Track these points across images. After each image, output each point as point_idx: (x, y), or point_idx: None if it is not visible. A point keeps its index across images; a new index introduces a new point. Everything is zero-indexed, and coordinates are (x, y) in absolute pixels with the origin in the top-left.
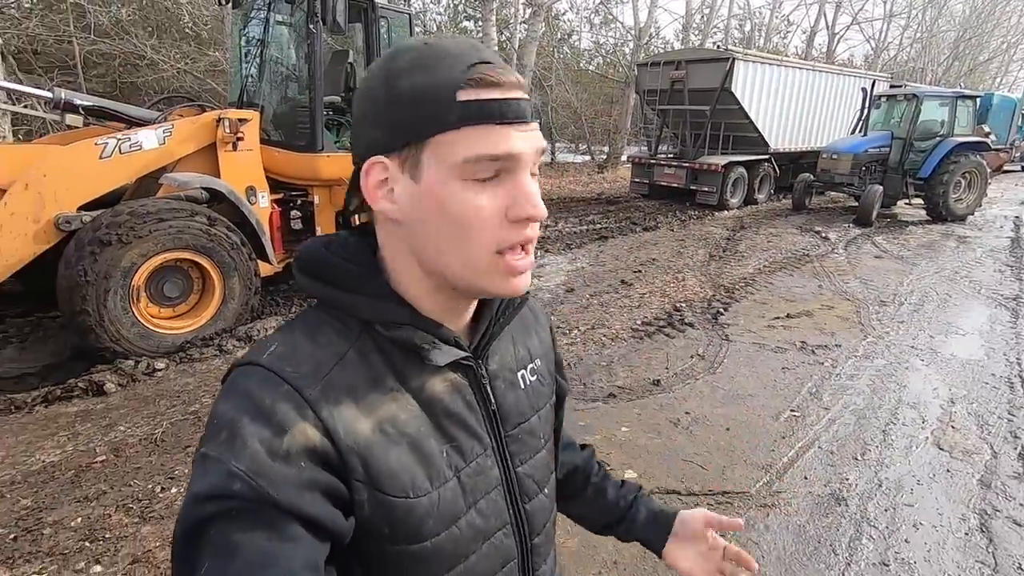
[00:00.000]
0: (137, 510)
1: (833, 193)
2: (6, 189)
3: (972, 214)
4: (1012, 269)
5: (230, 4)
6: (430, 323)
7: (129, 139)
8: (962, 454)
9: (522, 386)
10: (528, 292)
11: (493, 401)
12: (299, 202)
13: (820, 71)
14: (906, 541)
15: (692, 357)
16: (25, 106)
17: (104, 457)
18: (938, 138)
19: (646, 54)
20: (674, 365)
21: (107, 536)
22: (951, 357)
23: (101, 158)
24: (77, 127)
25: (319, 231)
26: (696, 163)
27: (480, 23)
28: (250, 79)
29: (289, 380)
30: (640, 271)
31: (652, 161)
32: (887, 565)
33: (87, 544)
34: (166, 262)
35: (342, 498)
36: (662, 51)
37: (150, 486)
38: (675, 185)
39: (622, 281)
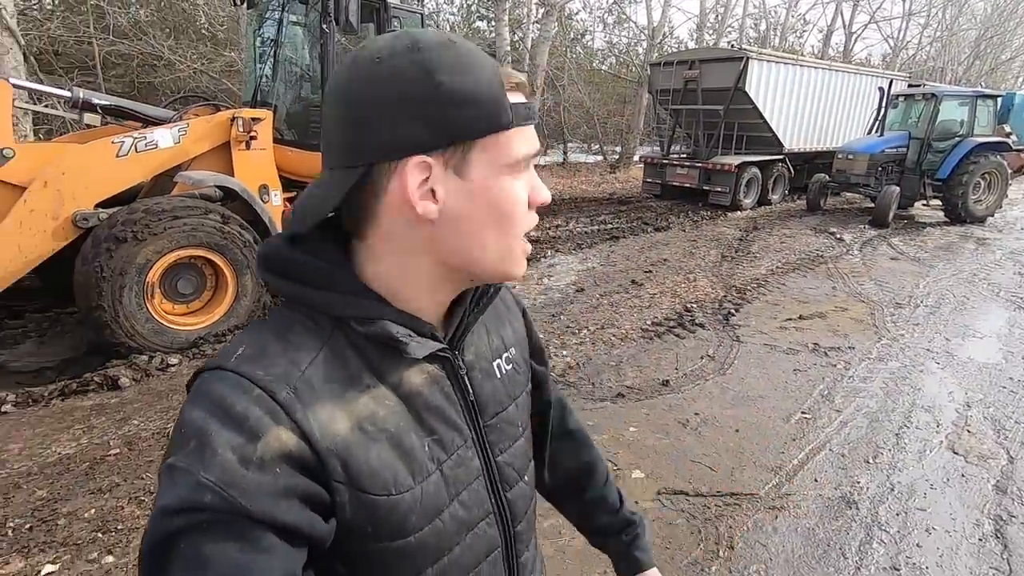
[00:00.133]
0: (149, 503)
1: (849, 194)
2: (26, 187)
3: (992, 216)
4: None
5: (245, 5)
6: (406, 316)
7: (145, 138)
8: (977, 459)
9: (498, 375)
10: (501, 284)
11: (471, 391)
12: None
13: (836, 70)
14: (918, 546)
15: (702, 358)
16: (46, 105)
17: (118, 450)
18: (957, 138)
19: (659, 54)
20: (684, 366)
21: (119, 527)
22: (968, 360)
23: (118, 156)
24: (95, 126)
25: None
26: (709, 163)
27: (493, 23)
28: (264, 79)
29: (260, 383)
30: (651, 271)
31: (664, 161)
32: (898, 570)
33: (100, 535)
34: (180, 259)
35: (321, 502)
36: (675, 51)
37: None
38: (688, 185)
39: (632, 281)
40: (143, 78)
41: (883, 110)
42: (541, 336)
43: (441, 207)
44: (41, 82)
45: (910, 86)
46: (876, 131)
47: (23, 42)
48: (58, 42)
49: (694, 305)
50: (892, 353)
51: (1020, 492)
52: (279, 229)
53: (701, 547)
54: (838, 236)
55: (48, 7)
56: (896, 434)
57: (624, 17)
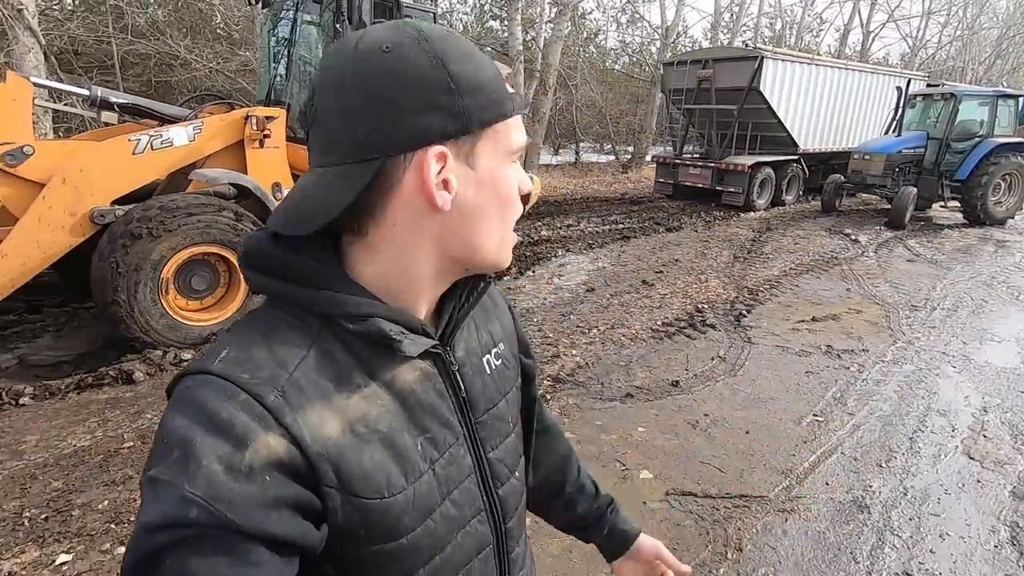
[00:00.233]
0: None
1: (864, 195)
2: (45, 183)
3: (1012, 218)
4: None
5: (260, 4)
6: (396, 313)
7: (161, 136)
8: (994, 464)
9: (488, 371)
10: (492, 278)
11: (462, 388)
12: None
13: (853, 70)
14: (931, 551)
15: (713, 359)
16: (66, 104)
17: (131, 443)
18: (977, 139)
19: (673, 53)
20: (694, 366)
21: (132, 519)
22: (985, 364)
23: (134, 154)
24: (113, 124)
25: None
26: (722, 163)
27: (505, 22)
28: (278, 78)
29: (246, 388)
30: (662, 272)
31: (677, 161)
32: (910, 575)
33: (112, 526)
34: (194, 256)
35: (313, 510)
36: (689, 50)
37: None
38: (700, 185)
39: (643, 281)
40: (160, 77)
41: (900, 110)
42: (549, 335)
43: (452, 198)
44: (61, 81)
45: (929, 85)
46: (893, 131)
47: (44, 41)
48: (78, 42)
49: (705, 306)
50: (907, 356)
51: None
52: None
53: (709, 549)
54: (853, 237)
55: (68, 7)
56: (910, 438)
57: (638, 16)
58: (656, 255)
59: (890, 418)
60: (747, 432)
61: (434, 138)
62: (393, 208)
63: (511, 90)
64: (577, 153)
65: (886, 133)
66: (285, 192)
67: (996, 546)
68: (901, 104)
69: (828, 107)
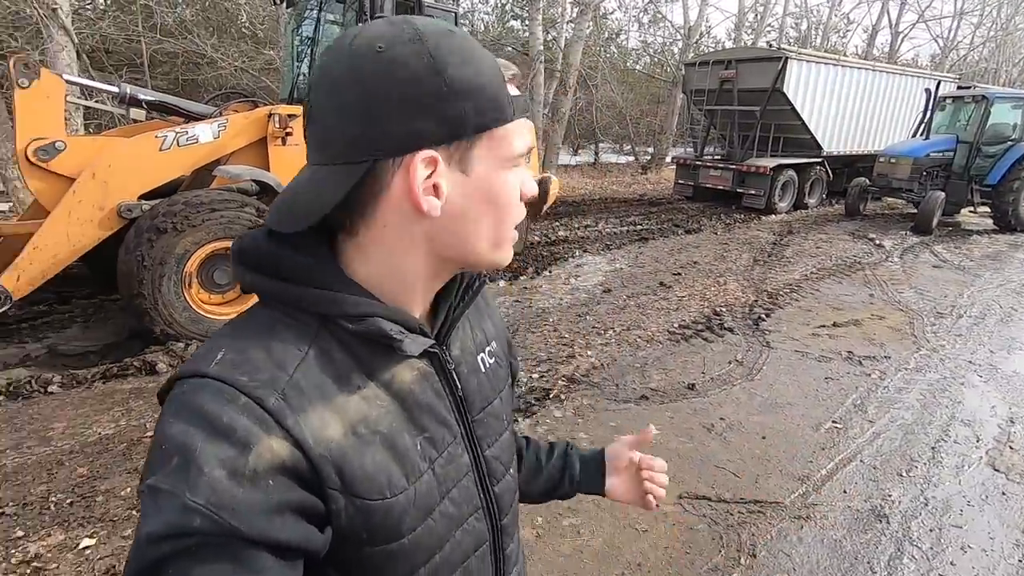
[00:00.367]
0: None
1: (890, 199)
2: (75, 178)
3: None
4: None
5: (285, 4)
6: (395, 312)
7: (187, 133)
8: (1020, 476)
9: (483, 369)
10: (485, 276)
11: (459, 387)
12: None
13: (880, 71)
14: (952, 564)
15: (730, 363)
16: (96, 101)
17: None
18: (1009, 142)
19: (695, 53)
20: (711, 370)
21: None
22: (1013, 374)
23: (161, 150)
24: (140, 121)
25: None
26: (743, 165)
27: (526, 22)
28: (301, 76)
29: (246, 391)
30: (680, 274)
31: (698, 162)
32: None
33: (134, 513)
34: (217, 250)
35: (317, 513)
36: (712, 50)
37: None
38: (721, 187)
39: (661, 283)
40: (187, 75)
41: (929, 112)
42: (565, 335)
43: (443, 202)
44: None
45: (959, 88)
46: (921, 134)
47: (76, 40)
48: (109, 40)
49: (723, 309)
50: (931, 364)
51: None
52: None
53: (722, 553)
54: (877, 242)
55: (101, 7)
56: (932, 448)
57: (660, 16)
58: (674, 257)
59: (912, 427)
60: (763, 437)
61: (424, 142)
62: (383, 210)
63: (516, 92)
64: (596, 154)
65: (913, 136)
66: None
67: (1021, 560)
68: (930, 107)
69: (854, 109)
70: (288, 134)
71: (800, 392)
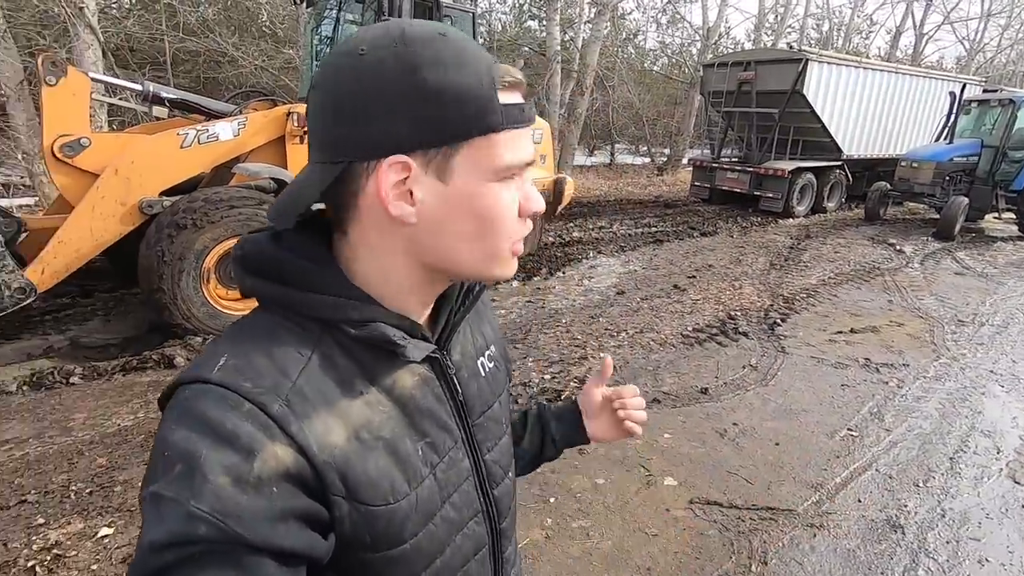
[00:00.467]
0: None
1: (912, 204)
2: (99, 174)
3: None
4: None
5: (305, 4)
6: (396, 317)
7: (207, 130)
8: None
9: (482, 374)
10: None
11: (459, 391)
12: None
13: (903, 74)
14: None
15: (744, 367)
16: (120, 98)
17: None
18: None
19: (714, 54)
20: (724, 374)
21: None
22: None
23: (182, 147)
24: (163, 118)
25: None
26: (761, 168)
27: (544, 22)
28: None
29: (250, 397)
30: (695, 277)
31: (714, 165)
32: None
33: None
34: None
35: (320, 520)
36: (731, 51)
37: None
38: (737, 190)
39: (675, 286)
40: (208, 73)
41: (953, 116)
42: (577, 337)
43: (419, 210)
44: (116, 76)
45: (985, 91)
46: (944, 138)
47: (102, 38)
48: (133, 39)
49: (738, 313)
50: (951, 373)
51: None
52: None
53: (733, 560)
54: (898, 248)
55: (125, 5)
56: (951, 458)
57: (678, 17)
58: (689, 260)
59: (930, 436)
60: (777, 444)
61: (395, 147)
62: (362, 212)
63: (515, 100)
64: (612, 155)
65: (937, 140)
66: None
67: None
68: (954, 110)
69: (875, 112)
70: (306, 133)
71: (815, 399)
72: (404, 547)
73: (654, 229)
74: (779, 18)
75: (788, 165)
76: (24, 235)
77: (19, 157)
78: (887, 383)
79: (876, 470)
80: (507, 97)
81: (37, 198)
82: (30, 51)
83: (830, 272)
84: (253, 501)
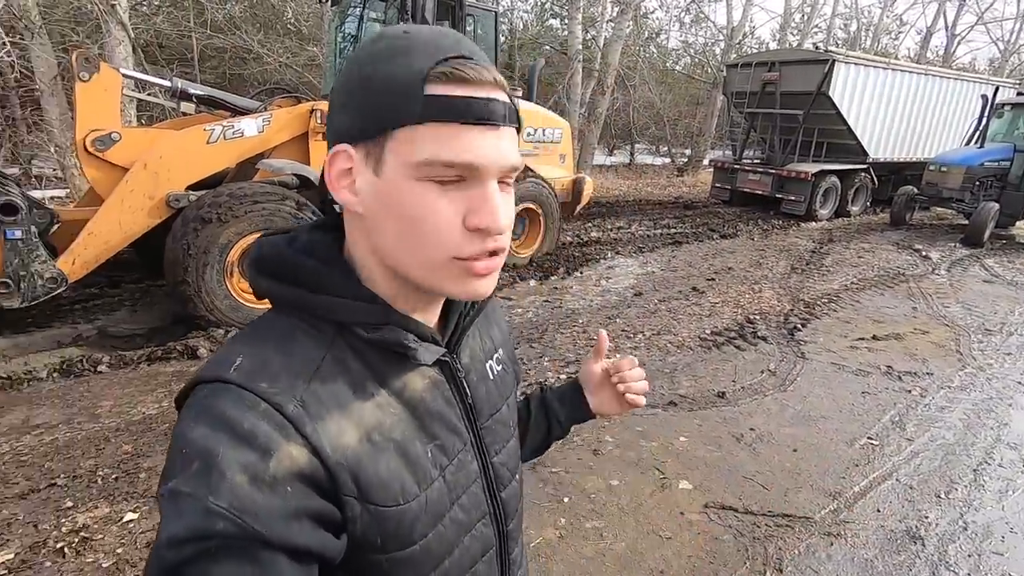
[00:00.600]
0: None
1: (939, 209)
2: (128, 168)
3: None
4: None
5: (329, 2)
6: (409, 321)
7: (233, 126)
8: None
9: (491, 377)
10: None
11: (468, 394)
12: None
13: (933, 76)
14: None
15: (762, 372)
16: (149, 94)
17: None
18: None
19: (738, 55)
20: (742, 379)
21: None
22: None
23: (208, 143)
24: (190, 114)
25: None
26: (784, 170)
27: (566, 21)
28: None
29: (266, 397)
30: (714, 279)
31: (736, 166)
32: None
33: None
34: None
35: (333, 520)
36: (755, 52)
37: None
38: (759, 192)
39: (693, 288)
40: (234, 70)
41: (985, 119)
42: (593, 338)
43: (360, 201)
44: (146, 72)
45: (1019, 94)
46: (975, 142)
47: (132, 35)
48: (162, 35)
49: (757, 317)
50: (976, 383)
51: None
52: None
53: (747, 566)
54: (924, 253)
55: (155, 3)
56: (974, 470)
57: (702, 16)
58: (708, 262)
59: (953, 447)
60: (795, 450)
61: (341, 136)
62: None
63: (467, 93)
64: (632, 154)
65: (967, 144)
66: None
67: None
68: (986, 113)
69: (903, 115)
70: None
71: (835, 406)
72: (414, 548)
73: (673, 230)
74: (805, 18)
75: (812, 168)
76: (56, 226)
77: (52, 150)
78: (910, 392)
79: (896, 480)
80: (453, 89)
81: (68, 190)
82: (64, 47)
83: (853, 277)
84: (269, 499)
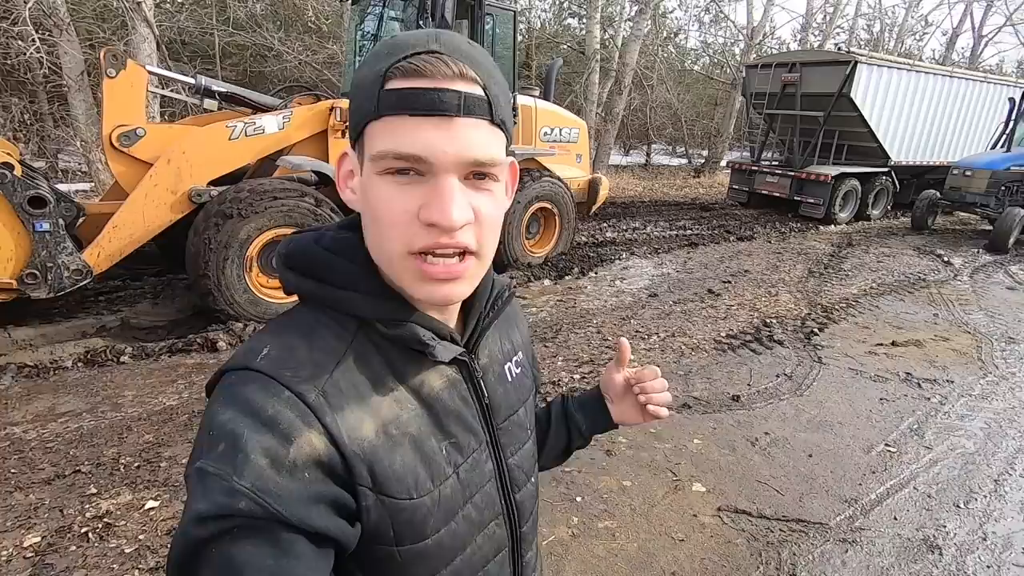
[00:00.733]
0: None
1: (963, 214)
2: (152, 163)
3: None
4: None
5: (349, 0)
6: (428, 319)
7: (254, 123)
8: None
9: (509, 379)
10: (512, 286)
11: (486, 395)
12: None
13: (959, 78)
14: None
15: (778, 376)
16: (172, 90)
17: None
18: None
19: (758, 55)
20: (757, 382)
21: None
22: None
23: (230, 139)
24: (212, 111)
25: None
26: (803, 172)
27: (584, 20)
28: None
29: (290, 386)
30: (730, 282)
31: (754, 168)
32: None
33: None
34: (276, 237)
35: (348, 508)
36: (775, 52)
37: None
38: (777, 195)
39: (709, 290)
40: (255, 67)
41: (1012, 123)
42: (608, 338)
43: (357, 200)
44: (169, 69)
45: None
46: (1002, 146)
47: (157, 32)
48: (185, 32)
49: (774, 320)
50: (998, 392)
51: None
52: None
53: (760, 570)
54: (946, 259)
55: (179, 0)
56: (995, 480)
57: (722, 16)
58: (724, 264)
59: (973, 456)
60: (810, 455)
61: (352, 138)
62: None
63: (413, 86)
64: (648, 155)
65: (992, 148)
66: None
67: None
68: (1014, 116)
69: (927, 117)
70: (347, 127)
71: (852, 412)
72: (426, 542)
73: (689, 232)
74: (827, 18)
75: (831, 170)
76: (82, 219)
77: (78, 144)
78: (929, 399)
79: (914, 488)
80: (402, 84)
81: (92, 184)
82: (90, 43)
83: (872, 282)
84: (288, 483)
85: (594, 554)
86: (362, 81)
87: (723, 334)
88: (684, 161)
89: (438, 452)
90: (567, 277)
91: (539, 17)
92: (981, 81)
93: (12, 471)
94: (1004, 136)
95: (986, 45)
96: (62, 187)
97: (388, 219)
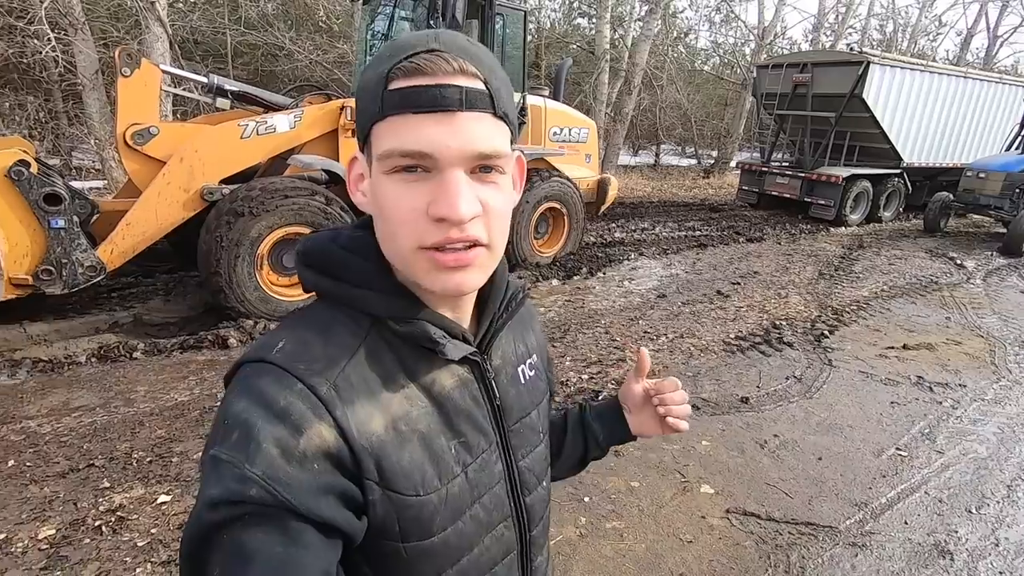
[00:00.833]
0: None
1: (976, 216)
2: (165, 162)
3: None
4: None
5: (360, 0)
6: (441, 318)
7: (266, 122)
8: None
9: (522, 381)
10: (527, 288)
11: (497, 396)
12: None
13: (973, 79)
14: None
15: (787, 378)
16: (184, 89)
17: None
18: None
19: (769, 55)
20: (766, 384)
21: None
22: None
23: (242, 138)
24: (225, 110)
25: None
26: (813, 174)
27: (594, 20)
28: None
29: (303, 378)
30: (739, 283)
31: (764, 169)
32: None
33: None
34: (287, 235)
35: (355, 500)
36: (786, 52)
37: None
38: (787, 196)
39: (718, 292)
40: (266, 67)
41: None
42: (616, 339)
43: (368, 202)
44: (182, 68)
45: None
46: (1017, 147)
47: (170, 32)
48: (197, 32)
49: (783, 322)
50: (1012, 396)
51: None
52: None
53: (769, 573)
54: (958, 262)
55: (192, 0)
56: (1008, 486)
57: (733, 16)
58: (734, 265)
59: (986, 461)
60: (820, 459)
61: (360, 143)
62: None
63: (414, 84)
64: (657, 155)
65: (1007, 149)
66: None
67: None
68: None
69: (940, 119)
70: None
71: (862, 415)
72: (432, 540)
73: (698, 233)
74: (840, 18)
75: (843, 171)
76: (96, 217)
77: (91, 142)
78: (941, 403)
79: (925, 493)
80: (404, 83)
81: (106, 182)
82: (104, 43)
83: (883, 284)
84: (298, 473)
85: (602, 554)
86: (366, 84)
87: (732, 336)
88: (693, 162)
89: (447, 451)
90: (575, 277)
91: (549, 17)
92: (996, 82)
93: (27, 464)
94: (1019, 138)
95: (1001, 45)
96: (76, 184)
97: (398, 217)
